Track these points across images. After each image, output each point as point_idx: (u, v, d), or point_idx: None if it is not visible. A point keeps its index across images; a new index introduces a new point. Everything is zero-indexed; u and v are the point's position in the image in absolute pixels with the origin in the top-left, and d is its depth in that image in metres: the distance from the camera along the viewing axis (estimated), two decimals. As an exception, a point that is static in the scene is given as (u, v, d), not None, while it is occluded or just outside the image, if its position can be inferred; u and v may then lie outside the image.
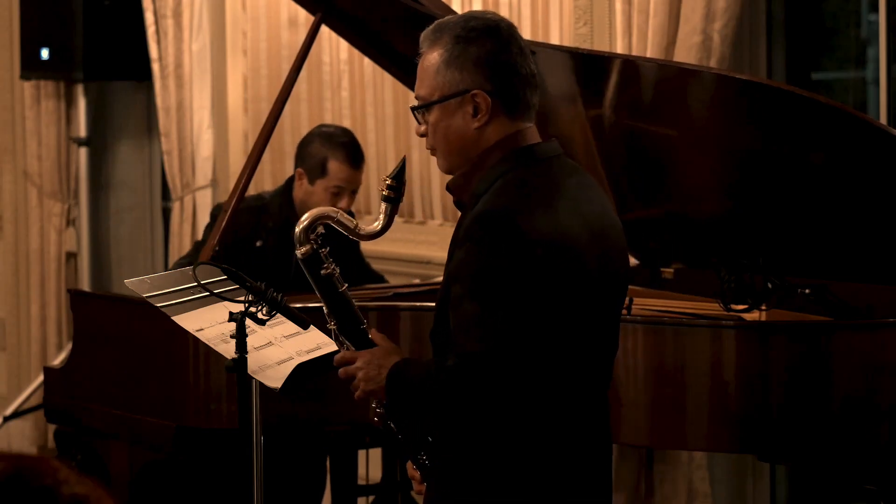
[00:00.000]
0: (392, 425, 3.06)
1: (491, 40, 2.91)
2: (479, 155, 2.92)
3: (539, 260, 2.78)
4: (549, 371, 2.83)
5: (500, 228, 2.79)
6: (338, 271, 3.01)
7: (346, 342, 3.03)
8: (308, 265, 3.00)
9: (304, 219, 3.00)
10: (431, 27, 2.97)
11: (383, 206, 3.00)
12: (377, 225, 3.01)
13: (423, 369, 2.91)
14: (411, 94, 5.66)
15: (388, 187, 2.99)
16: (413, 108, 2.98)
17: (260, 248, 4.88)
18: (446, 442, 2.94)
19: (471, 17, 2.96)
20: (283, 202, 4.94)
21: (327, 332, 3.45)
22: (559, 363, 2.85)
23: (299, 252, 2.99)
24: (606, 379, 2.99)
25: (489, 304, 2.77)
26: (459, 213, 2.98)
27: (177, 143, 6.75)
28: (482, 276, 2.79)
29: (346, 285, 3.03)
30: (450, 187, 3.01)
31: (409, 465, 3.09)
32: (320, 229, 3.02)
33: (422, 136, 3.00)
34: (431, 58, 2.94)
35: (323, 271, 2.99)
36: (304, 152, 4.94)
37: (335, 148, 4.89)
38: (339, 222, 3.01)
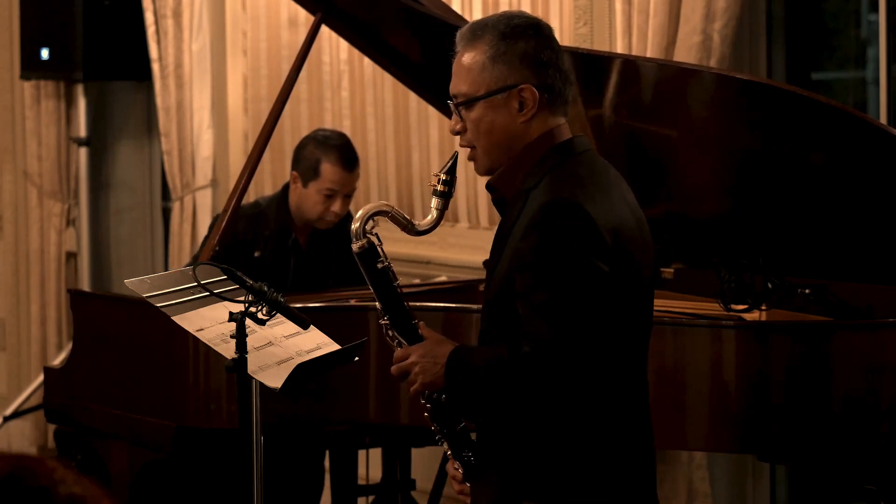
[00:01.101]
0: (440, 421, 3.04)
1: (535, 37, 2.95)
2: (521, 150, 2.94)
3: (608, 247, 2.82)
4: (611, 359, 2.87)
5: (570, 216, 2.82)
6: (391, 266, 3.02)
7: (399, 338, 3.03)
8: (364, 259, 3.00)
9: (360, 214, 3.00)
10: (469, 26, 3.00)
11: (435, 200, 3.03)
12: (430, 219, 3.04)
13: (488, 356, 2.92)
14: (412, 95, 5.71)
15: (442, 182, 3.02)
16: (456, 105, 2.98)
17: (258, 257, 4.88)
18: (502, 431, 2.94)
19: (512, 15, 3.00)
20: (279, 209, 4.94)
21: (327, 332, 3.45)
22: (620, 351, 2.90)
23: (355, 246, 2.99)
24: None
25: (563, 291, 2.80)
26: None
27: (177, 143, 6.74)
28: (555, 263, 2.81)
29: (399, 280, 3.05)
30: (491, 185, 3.03)
31: (451, 465, 3.07)
32: (376, 219, 3.02)
33: (456, 133, 3.01)
34: (473, 55, 2.95)
35: (379, 265, 3.00)
36: (299, 155, 4.95)
37: (328, 150, 4.89)
38: (393, 217, 3.03)
